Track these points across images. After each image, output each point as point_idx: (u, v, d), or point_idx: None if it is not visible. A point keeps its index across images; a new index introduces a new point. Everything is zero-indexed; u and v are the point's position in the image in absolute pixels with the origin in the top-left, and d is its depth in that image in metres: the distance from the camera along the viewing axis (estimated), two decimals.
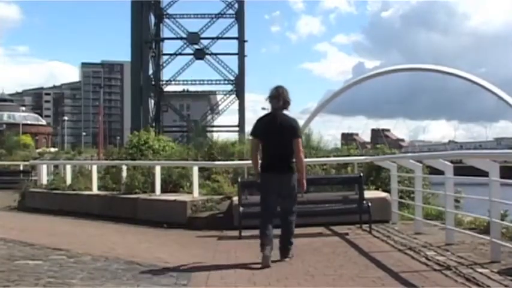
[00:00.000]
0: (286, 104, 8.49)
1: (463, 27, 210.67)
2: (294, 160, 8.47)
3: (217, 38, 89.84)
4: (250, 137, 9.10)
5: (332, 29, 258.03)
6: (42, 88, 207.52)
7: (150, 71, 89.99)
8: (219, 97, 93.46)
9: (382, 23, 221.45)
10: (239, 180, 12.53)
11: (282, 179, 8.45)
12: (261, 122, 8.62)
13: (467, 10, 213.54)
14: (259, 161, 8.68)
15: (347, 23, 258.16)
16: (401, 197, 12.92)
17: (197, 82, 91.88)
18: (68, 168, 21.51)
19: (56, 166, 26.72)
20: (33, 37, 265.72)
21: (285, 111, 8.59)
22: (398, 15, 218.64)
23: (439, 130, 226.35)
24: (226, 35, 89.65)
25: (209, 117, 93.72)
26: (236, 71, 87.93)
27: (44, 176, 23.19)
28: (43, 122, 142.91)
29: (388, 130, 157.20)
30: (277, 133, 8.36)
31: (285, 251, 8.67)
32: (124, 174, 17.88)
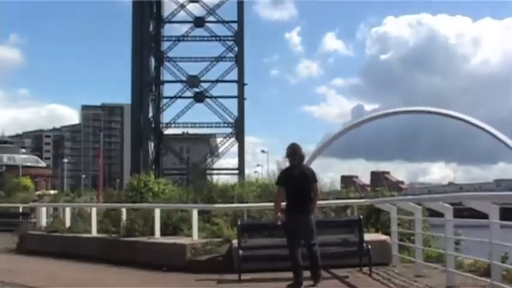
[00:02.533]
0: (301, 158, 10.47)
1: (461, 70, 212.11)
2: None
3: (217, 81, 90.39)
4: (276, 186, 10.92)
5: (331, 72, 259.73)
6: (42, 130, 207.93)
7: (150, 114, 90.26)
8: (218, 140, 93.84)
9: (380, 65, 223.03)
10: (239, 223, 12.52)
11: (304, 217, 10.21)
12: (284, 173, 10.58)
13: (466, 52, 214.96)
14: (283, 205, 10.38)
15: (346, 66, 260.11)
16: (401, 240, 12.87)
17: (197, 125, 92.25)
18: (68, 210, 21.46)
19: (55, 208, 26.67)
20: (34, 80, 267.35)
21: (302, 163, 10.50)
22: (396, 58, 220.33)
23: (438, 172, 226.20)
24: (226, 78, 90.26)
25: (209, 160, 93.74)
26: (236, 113, 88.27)
27: (43, 218, 23.12)
28: (43, 164, 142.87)
29: (387, 172, 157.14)
30: (297, 182, 10.19)
31: (317, 277, 10.20)
32: (123, 217, 17.83)
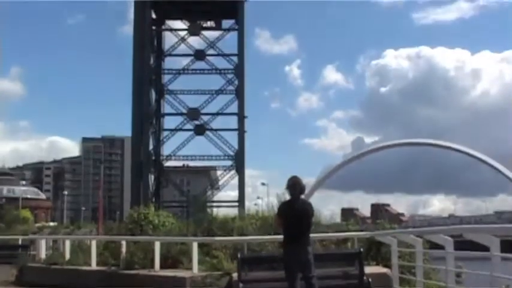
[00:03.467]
0: (302, 191, 10.51)
1: (461, 102, 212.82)
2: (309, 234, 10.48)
3: (218, 113, 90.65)
4: (276, 217, 11.05)
5: (331, 105, 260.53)
6: (42, 162, 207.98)
7: (151, 146, 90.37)
8: (218, 172, 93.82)
9: (380, 98, 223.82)
10: (239, 256, 12.48)
11: (302, 250, 10.24)
12: (284, 205, 10.70)
13: (465, 84, 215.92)
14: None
15: (346, 98, 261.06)
16: (402, 272, 12.83)
17: (197, 157, 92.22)
18: (67, 243, 21.41)
19: (55, 241, 26.60)
20: (34, 112, 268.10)
21: (301, 196, 10.53)
22: (396, 90, 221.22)
23: (438, 204, 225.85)
24: (226, 111, 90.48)
25: (209, 193, 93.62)
26: (236, 146, 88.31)
27: (42, 250, 23.05)
28: (43, 196, 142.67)
29: (388, 205, 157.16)
30: (297, 215, 10.31)
31: None
32: (123, 249, 17.79)
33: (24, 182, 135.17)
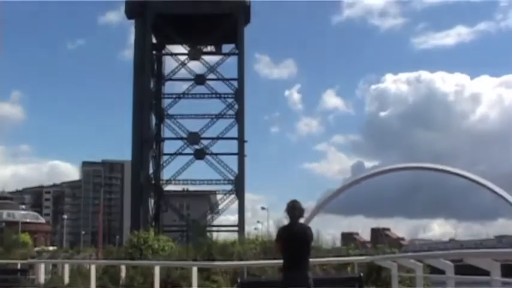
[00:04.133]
0: (301, 213, 10.53)
1: (461, 126, 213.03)
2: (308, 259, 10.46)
3: (218, 138, 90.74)
4: (275, 242, 11.09)
5: (331, 129, 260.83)
6: (42, 186, 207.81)
7: (151, 171, 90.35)
8: (218, 197, 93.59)
9: (380, 122, 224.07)
10: (239, 280, 12.44)
11: (302, 274, 10.24)
12: (283, 230, 10.64)
13: (464, 109, 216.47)
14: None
15: (345, 123, 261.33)
16: None
17: (197, 182, 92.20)
18: (66, 267, 21.34)
19: (54, 265, 26.51)
20: (35, 136, 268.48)
21: (300, 220, 10.59)
22: (396, 115, 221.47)
23: (438, 228, 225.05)
24: (226, 135, 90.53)
25: (209, 217, 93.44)
26: (236, 170, 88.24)
27: (41, 275, 22.97)
28: (42, 220, 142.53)
29: (388, 229, 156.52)
30: (296, 239, 10.34)
31: None
32: (123, 274, 17.73)
33: (23, 206, 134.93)
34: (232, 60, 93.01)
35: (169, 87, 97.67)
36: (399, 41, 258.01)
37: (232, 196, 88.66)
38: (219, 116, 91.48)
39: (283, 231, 10.69)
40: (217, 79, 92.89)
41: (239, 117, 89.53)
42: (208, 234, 75.26)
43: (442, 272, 9.82)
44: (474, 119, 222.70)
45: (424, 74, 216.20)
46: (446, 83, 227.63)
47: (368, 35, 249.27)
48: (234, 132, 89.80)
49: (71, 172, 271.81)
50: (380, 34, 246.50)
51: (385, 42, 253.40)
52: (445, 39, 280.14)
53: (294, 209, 10.50)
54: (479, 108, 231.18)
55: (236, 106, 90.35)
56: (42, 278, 22.69)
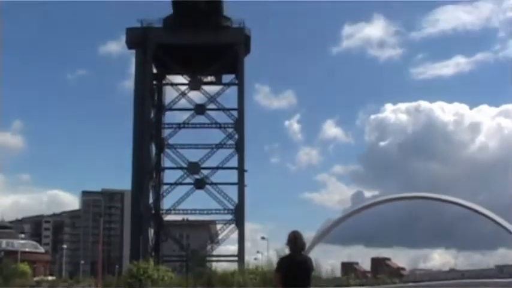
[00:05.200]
0: (302, 246, 10.42)
1: (460, 156, 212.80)
2: None
3: (218, 167, 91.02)
4: (275, 273, 10.70)
5: (331, 159, 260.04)
6: (42, 216, 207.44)
7: (151, 200, 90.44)
8: (218, 226, 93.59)
9: (379, 152, 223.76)
10: None
11: None
12: (283, 261, 10.44)
13: (464, 138, 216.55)
14: None
15: (345, 153, 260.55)
16: None
17: (197, 211, 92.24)
18: None
19: None
20: (35, 165, 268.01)
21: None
22: (395, 145, 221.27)
23: (439, 258, 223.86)
24: (226, 165, 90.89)
25: (208, 247, 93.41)
26: (236, 200, 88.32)
27: None
28: (41, 250, 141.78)
29: (388, 259, 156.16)
30: (297, 270, 10.19)
31: None
32: None
33: (23, 235, 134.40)
34: (232, 90, 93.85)
35: (169, 117, 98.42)
36: (398, 71, 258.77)
37: (232, 226, 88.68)
38: (219, 145, 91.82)
39: (283, 262, 10.59)
40: (218, 109, 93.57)
41: (239, 147, 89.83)
42: (208, 264, 75.27)
43: None
44: (474, 149, 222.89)
45: (423, 104, 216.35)
46: (446, 112, 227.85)
47: (367, 65, 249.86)
48: (234, 162, 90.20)
49: (70, 201, 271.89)
50: (379, 64, 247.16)
51: (384, 73, 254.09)
52: (444, 69, 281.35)
53: (295, 240, 10.46)
54: (479, 138, 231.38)
55: (236, 136, 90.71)
56: None
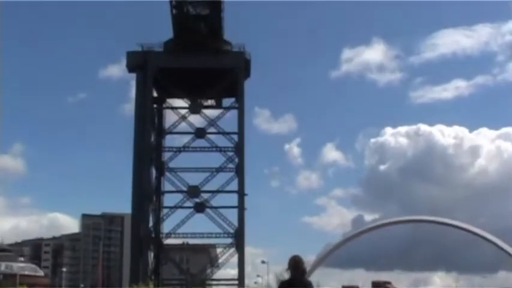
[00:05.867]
0: (303, 271, 10.42)
1: (460, 179, 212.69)
2: None
3: (218, 191, 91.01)
4: None
5: (331, 183, 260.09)
6: (42, 239, 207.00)
7: (151, 224, 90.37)
8: (218, 250, 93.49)
9: (379, 176, 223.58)
10: None
11: None
12: (283, 285, 10.49)
13: (463, 162, 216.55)
14: None
15: (345, 176, 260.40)
16: None
17: (197, 235, 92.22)
18: None
19: None
20: (36, 188, 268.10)
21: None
22: (395, 168, 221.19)
23: (439, 281, 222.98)
24: (226, 189, 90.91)
25: (208, 271, 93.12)
26: (236, 223, 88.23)
27: None
28: (41, 273, 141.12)
29: (389, 282, 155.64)
30: None
31: None
32: None
33: (22, 259, 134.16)
34: (233, 114, 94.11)
35: (169, 141, 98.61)
36: (398, 95, 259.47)
37: (232, 249, 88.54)
38: (219, 169, 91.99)
39: (284, 286, 10.64)
40: (218, 133, 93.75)
41: (239, 170, 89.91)
42: None
43: None
44: (473, 172, 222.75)
45: (423, 127, 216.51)
46: (445, 135, 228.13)
47: (367, 89, 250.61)
48: (234, 185, 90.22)
49: (70, 225, 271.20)
50: (378, 88, 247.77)
51: (384, 96, 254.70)
52: (443, 92, 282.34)
53: (295, 265, 10.50)
54: (479, 161, 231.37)
55: (236, 160, 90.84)
56: None
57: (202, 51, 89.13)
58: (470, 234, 46.29)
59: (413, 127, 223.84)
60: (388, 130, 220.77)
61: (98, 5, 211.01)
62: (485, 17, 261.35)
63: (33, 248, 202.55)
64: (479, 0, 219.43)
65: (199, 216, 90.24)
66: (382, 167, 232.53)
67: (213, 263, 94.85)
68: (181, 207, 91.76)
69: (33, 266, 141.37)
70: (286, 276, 10.89)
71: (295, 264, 10.49)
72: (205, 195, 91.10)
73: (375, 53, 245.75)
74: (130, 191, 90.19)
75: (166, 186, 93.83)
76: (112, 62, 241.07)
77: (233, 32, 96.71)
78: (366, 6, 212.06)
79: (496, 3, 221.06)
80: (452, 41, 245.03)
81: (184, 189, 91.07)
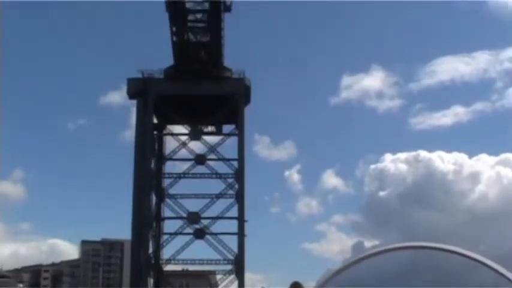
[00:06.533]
0: None
1: (460, 205, 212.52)
2: None
3: (218, 217, 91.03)
4: None
5: (331, 209, 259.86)
6: (41, 265, 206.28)
7: (150, 250, 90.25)
8: (218, 277, 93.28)
9: (379, 202, 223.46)
10: None
11: None
12: None
13: (463, 188, 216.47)
14: None
15: (345, 203, 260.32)
16: None
17: (197, 262, 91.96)
18: None
19: None
20: (35, 215, 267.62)
21: None
22: (395, 195, 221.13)
23: None
24: (226, 215, 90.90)
25: None
26: (236, 250, 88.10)
27: None
28: None
29: None
30: None
31: None
32: None
33: (21, 285, 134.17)
34: (233, 140, 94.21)
35: (169, 167, 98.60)
36: (397, 122, 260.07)
37: (232, 276, 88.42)
38: (219, 195, 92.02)
39: None
40: (218, 159, 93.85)
41: (239, 197, 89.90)
42: None
43: None
44: (473, 198, 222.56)
45: (423, 154, 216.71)
46: (445, 162, 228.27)
47: (366, 115, 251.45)
48: (234, 212, 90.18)
49: (70, 251, 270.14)
50: (378, 115, 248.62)
51: (383, 123, 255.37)
52: (443, 119, 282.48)
53: None
54: (479, 187, 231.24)
55: (236, 186, 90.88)
56: None
57: (202, 78, 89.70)
58: (471, 260, 46.30)
59: (413, 153, 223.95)
60: (388, 156, 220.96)
61: (99, 32, 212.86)
62: (484, 44, 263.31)
63: (33, 275, 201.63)
64: (478, 27, 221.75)
65: (199, 242, 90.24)
66: (382, 193, 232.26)
67: None
68: (181, 233, 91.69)
69: None
70: None
71: None
72: (205, 222, 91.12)
73: (374, 80, 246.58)
74: (130, 217, 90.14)
75: (166, 212, 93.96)
76: (113, 89, 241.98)
77: (233, 59, 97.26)
78: (365, 34, 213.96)
79: (495, 31, 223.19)
80: (451, 67, 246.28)
81: (184, 215, 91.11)
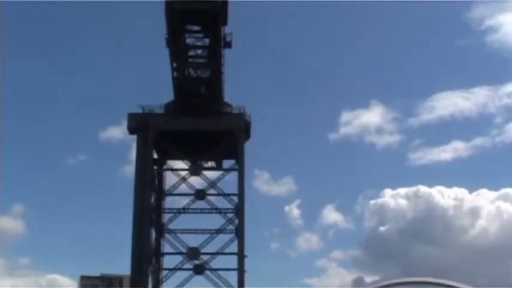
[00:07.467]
0: None
1: (460, 240, 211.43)
2: None
3: (217, 253, 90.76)
4: None
5: (331, 245, 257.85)
6: None
7: (150, 285, 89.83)
8: None
9: (379, 237, 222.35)
10: None
11: None
12: None
13: (463, 223, 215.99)
14: None
15: (345, 238, 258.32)
16: None
17: None
18: None
19: None
20: (35, 250, 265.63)
21: None
22: (395, 230, 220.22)
23: None
24: (226, 250, 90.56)
25: None
26: (236, 286, 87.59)
27: None
28: None
29: None
30: None
31: None
32: None
33: None
34: (233, 175, 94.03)
35: (169, 202, 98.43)
36: (397, 157, 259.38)
37: None
38: (219, 231, 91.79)
39: None
40: (218, 194, 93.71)
41: (239, 232, 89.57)
42: None
43: None
44: (474, 233, 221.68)
45: (423, 189, 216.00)
46: (445, 197, 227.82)
47: (366, 151, 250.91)
48: (234, 247, 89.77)
49: (69, 286, 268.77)
50: (377, 150, 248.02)
51: (383, 158, 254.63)
52: (442, 154, 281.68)
53: None
54: (479, 222, 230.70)
55: (236, 221, 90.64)
56: None
57: (202, 113, 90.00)
58: None
59: (413, 188, 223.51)
60: (388, 192, 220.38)
61: (99, 68, 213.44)
62: (483, 80, 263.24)
63: None
64: (477, 63, 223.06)
65: (198, 278, 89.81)
66: (382, 229, 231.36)
67: None
68: (180, 269, 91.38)
69: None
70: None
71: None
72: (204, 257, 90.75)
73: (373, 116, 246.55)
74: (129, 252, 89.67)
75: (166, 247, 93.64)
76: (113, 124, 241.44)
77: (233, 94, 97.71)
78: (364, 70, 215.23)
79: (493, 66, 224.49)
80: (450, 103, 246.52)
81: (184, 250, 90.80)
